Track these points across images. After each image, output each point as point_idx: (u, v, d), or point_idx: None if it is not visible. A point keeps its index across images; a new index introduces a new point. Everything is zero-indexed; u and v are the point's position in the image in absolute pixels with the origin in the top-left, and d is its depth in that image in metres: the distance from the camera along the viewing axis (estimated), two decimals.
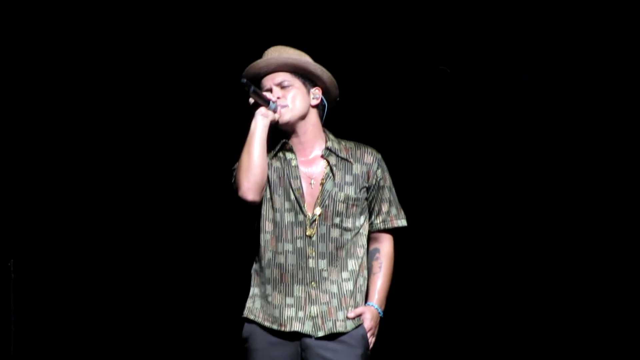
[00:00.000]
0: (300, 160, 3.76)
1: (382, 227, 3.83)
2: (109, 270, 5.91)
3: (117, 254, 5.91)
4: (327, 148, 3.77)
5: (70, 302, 5.88)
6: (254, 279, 3.76)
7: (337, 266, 3.70)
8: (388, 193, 3.83)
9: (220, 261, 5.82)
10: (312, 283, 3.68)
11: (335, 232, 3.71)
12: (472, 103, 5.81)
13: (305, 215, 3.69)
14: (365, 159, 3.79)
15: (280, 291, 3.68)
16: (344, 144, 3.81)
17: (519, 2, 5.62)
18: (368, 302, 3.76)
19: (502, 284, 5.80)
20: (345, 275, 3.71)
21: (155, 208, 5.92)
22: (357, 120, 5.43)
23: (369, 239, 3.82)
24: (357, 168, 3.77)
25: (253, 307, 3.73)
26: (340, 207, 3.72)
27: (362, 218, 3.78)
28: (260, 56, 3.80)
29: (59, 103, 5.84)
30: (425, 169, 5.82)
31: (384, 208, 3.82)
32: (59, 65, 5.77)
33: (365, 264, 3.78)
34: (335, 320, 3.67)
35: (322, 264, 3.68)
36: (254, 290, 3.76)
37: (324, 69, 3.80)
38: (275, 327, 3.66)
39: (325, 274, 3.68)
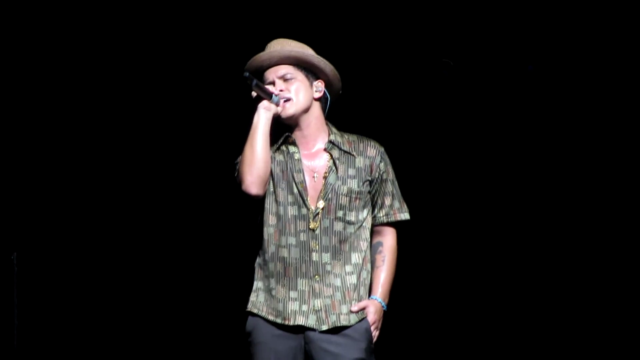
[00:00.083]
0: (303, 153, 3.75)
1: (385, 221, 3.82)
2: (111, 264, 5.91)
3: (120, 248, 5.92)
4: (330, 141, 3.76)
5: (74, 295, 5.88)
6: (258, 273, 3.76)
7: (340, 260, 3.70)
8: (391, 186, 3.82)
9: (224, 255, 5.82)
10: (316, 277, 3.67)
11: (338, 226, 3.70)
12: (475, 96, 5.80)
13: (308, 209, 3.69)
14: (368, 152, 3.79)
15: (284, 285, 3.68)
16: (346, 137, 3.81)
17: None
18: (372, 296, 3.76)
19: (504, 277, 5.80)
20: (348, 268, 3.71)
21: (159, 202, 5.93)
22: (360, 113, 5.42)
23: (372, 233, 3.82)
24: (360, 161, 3.77)
25: (257, 301, 3.73)
26: (344, 200, 3.72)
27: (365, 211, 3.77)
28: (262, 49, 3.79)
29: (64, 98, 5.84)
30: (428, 162, 5.82)
31: (387, 201, 3.81)
32: (61, 64, 5.77)
33: (368, 257, 3.77)
34: (339, 314, 3.67)
35: (326, 257, 3.68)
36: (258, 284, 3.75)
37: (326, 62, 3.80)
38: (279, 320, 3.66)
39: (328, 268, 3.68)
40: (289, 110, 3.71)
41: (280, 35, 3.85)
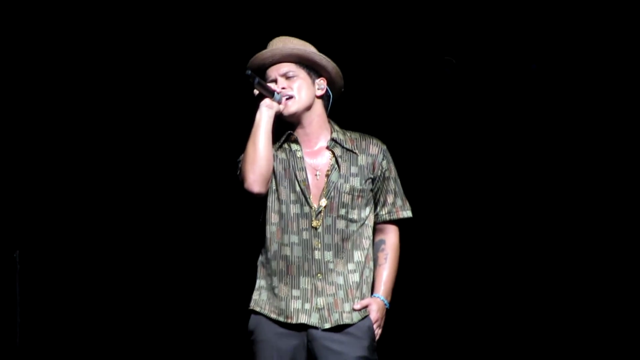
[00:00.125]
0: (306, 151, 3.75)
1: (387, 219, 3.82)
2: (114, 262, 5.91)
3: (122, 246, 5.91)
4: (332, 139, 3.76)
5: (76, 293, 5.87)
6: (260, 271, 3.76)
7: (343, 258, 3.70)
8: (393, 184, 3.82)
9: (226, 253, 5.81)
10: (318, 275, 3.67)
11: (340, 224, 3.70)
12: (477, 94, 5.79)
13: (310, 207, 3.69)
14: (370, 150, 3.79)
15: (287, 283, 3.68)
16: (349, 134, 3.81)
17: None
18: (374, 294, 3.76)
19: (507, 275, 5.78)
20: (351, 266, 3.71)
21: (161, 200, 5.91)
22: (362, 110, 5.42)
23: (375, 230, 3.82)
24: (362, 159, 3.77)
25: (259, 299, 3.73)
26: (346, 198, 3.72)
27: (368, 209, 3.77)
28: (264, 47, 3.79)
29: (66, 97, 5.83)
30: (430, 160, 5.81)
31: (390, 199, 3.81)
32: (64, 62, 5.77)
33: (371, 255, 3.78)
34: (341, 312, 3.67)
35: (328, 255, 3.68)
36: (260, 282, 3.75)
37: (328, 59, 3.80)
38: (281, 319, 3.67)
39: (331, 266, 3.68)
40: (291, 107, 3.71)
41: (282, 33, 3.85)
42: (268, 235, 3.71)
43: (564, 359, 5.71)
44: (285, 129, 3.76)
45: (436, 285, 5.83)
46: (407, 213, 3.84)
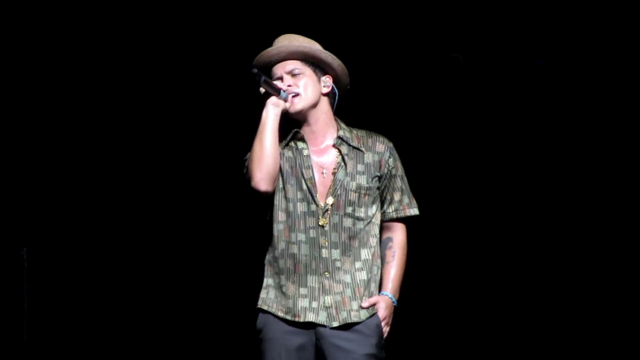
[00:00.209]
0: (312, 149, 3.75)
1: (394, 216, 3.82)
2: (121, 260, 5.91)
3: (129, 244, 5.91)
4: (338, 137, 3.76)
5: (84, 291, 5.89)
6: (268, 270, 3.76)
7: (350, 256, 3.70)
8: (400, 182, 3.82)
9: (233, 252, 5.82)
10: (326, 273, 3.67)
11: (347, 222, 3.70)
12: (484, 90, 5.78)
13: (317, 205, 3.69)
14: (377, 148, 3.78)
15: (294, 282, 3.68)
16: (355, 132, 3.80)
17: None
18: (382, 292, 3.76)
19: (514, 273, 5.78)
20: (358, 264, 3.71)
21: (168, 199, 5.92)
22: (369, 108, 5.41)
23: (382, 228, 3.82)
24: (368, 157, 3.76)
25: (267, 298, 3.73)
26: (353, 196, 3.71)
27: (374, 207, 3.77)
28: (270, 45, 3.78)
29: (74, 96, 5.84)
30: (437, 158, 5.80)
31: (396, 197, 3.81)
32: (67, 61, 5.77)
33: (378, 253, 3.77)
34: (349, 310, 3.67)
35: (336, 253, 3.68)
36: (268, 280, 3.75)
37: (334, 57, 3.79)
38: (289, 317, 3.67)
39: (338, 264, 3.68)
40: (297, 105, 3.71)
41: (288, 31, 3.84)
42: (275, 233, 3.71)
43: (571, 356, 5.71)
44: (292, 127, 3.76)
45: (443, 283, 5.83)
46: (414, 211, 3.84)
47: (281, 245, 3.70)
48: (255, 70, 3.61)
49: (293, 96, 3.70)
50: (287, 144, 3.75)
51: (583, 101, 5.67)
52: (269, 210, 3.73)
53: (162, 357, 5.90)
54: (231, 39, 5.65)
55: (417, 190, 3.90)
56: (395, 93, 5.77)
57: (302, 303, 3.66)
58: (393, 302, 3.76)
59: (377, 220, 3.78)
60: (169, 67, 5.77)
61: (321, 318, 3.65)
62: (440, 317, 5.81)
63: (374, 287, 3.74)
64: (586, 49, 5.61)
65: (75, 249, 5.88)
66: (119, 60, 5.78)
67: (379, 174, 3.77)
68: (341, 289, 3.68)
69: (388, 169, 3.78)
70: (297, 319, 3.65)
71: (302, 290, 3.67)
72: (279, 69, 3.75)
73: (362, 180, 3.73)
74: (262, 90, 3.67)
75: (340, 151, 3.74)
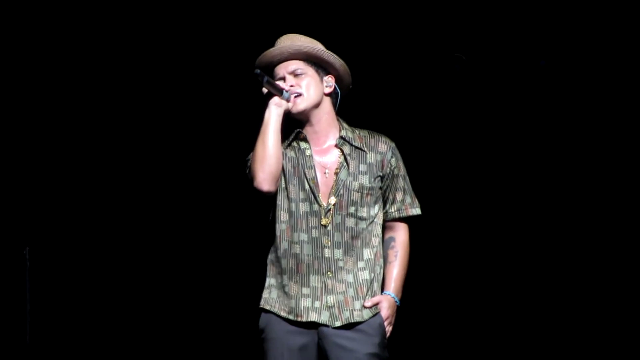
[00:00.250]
0: (315, 149, 3.76)
1: (397, 216, 3.83)
2: (123, 260, 5.91)
3: (131, 244, 5.91)
4: (341, 137, 3.76)
5: (86, 290, 5.88)
6: (270, 270, 3.77)
7: (352, 256, 3.71)
8: (402, 182, 3.82)
9: (235, 252, 5.81)
10: (328, 273, 3.68)
11: (350, 222, 3.70)
12: (487, 90, 5.77)
13: (320, 205, 3.69)
14: (379, 148, 3.79)
15: (297, 281, 3.68)
16: (357, 132, 3.81)
17: None
18: (385, 291, 3.76)
19: (516, 272, 5.78)
20: (361, 264, 3.72)
21: (171, 199, 5.92)
22: (371, 108, 5.42)
23: (384, 228, 3.82)
24: (371, 157, 3.77)
25: (269, 298, 3.74)
26: (355, 196, 3.72)
27: (377, 207, 3.78)
28: (272, 45, 3.79)
29: (77, 95, 5.84)
30: (439, 158, 5.80)
31: (399, 197, 3.82)
32: (68, 61, 5.78)
33: (380, 252, 3.78)
34: (352, 310, 3.67)
35: (338, 253, 3.68)
36: (270, 280, 3.76)
37: (336, 57, 3.80)
38: (291, 317, 3.67)
39: (341, 264, 3.69)
40: (300, 105, 3.71)
41: (290, 31, 3.85)
42: (278, 233, 3.71)
43: (571, 356, 5.72)
44: (294, 127, 3.77)
45: (446, 283, 5.83)
46: (417, 210, 3.85)
47: (284, 245, 3.70)
48: (258, 71, 3.61)
49: (295, 96, 3.71)
50: (289, 144, 3.76)
51: (586, 101, 5.67)
52: (272, 210, 3.74)
53: (164, 357, 5.91)
54: (233, 39, 5.65)
55: (419, 190, 3.90)
56: (397, 93, 5.77)
57: (305, 303, 3.66)
58: (396, 301, 3.76)
59: (379, 220, 3.79)
60: (171, 67, 5.77)
61: (324, 318, 3.65)
62: (443, 316, 5.81)
63: (376, 286, 3.74)
64: (589, 49, 5.61)
65: (78, 248, 5.88)
66: (121, 61, 5.78)
67: (381, 174, 3.77)
68: (344, 289, 3.68)
69: (390, 169, 3.79)
70: (299, 319, 3.66)
71: (305, 290, 3.67)
72: (282, 69, 3.76)
73: (365, 180, 3.74)
74: (264, 90, 3.68)
75: (342, 151, 3.75)
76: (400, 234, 3.83)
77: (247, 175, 3.71)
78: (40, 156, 5.82)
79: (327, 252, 3.68)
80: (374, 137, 3.81)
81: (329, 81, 3.79)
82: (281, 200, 3.72)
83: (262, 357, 3.73)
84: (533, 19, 5.61)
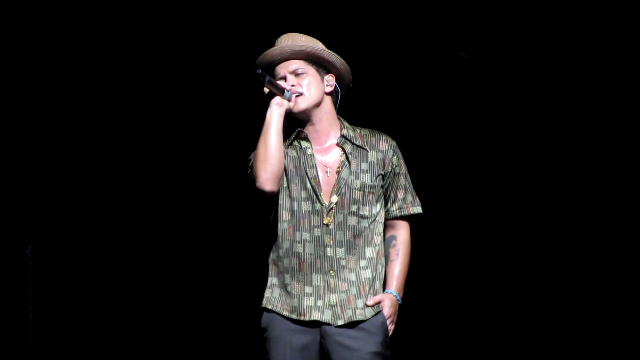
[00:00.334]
0: (316, 148, 3.76)
1: (398, 214, 3.83)
2: (126, 260, 5.92)
3: (133, 244, 5.92)
4: (342, 136, 3.77)
5: (88, 289, 5.89)
6: (272, 269, 3.77)
7: (355, 254, 3.71)
8: (403, 180, 3.83)
9: (237, 251, 5.82)
10: (331, 272, 3.68)
11: (352, 220, 3.71)
12: (489, 89, 5.77)
13: (322, 204, 3.69)
14: (380, 146, 3.79)
15: (299, 280, 3.69)
16: (358, 131, 3.81)
17: None
18: (386, 290, 3.76)
19: (517, 271, 5.79)
20: (363, 263, 3.72)
21: (173, 198, 5.92)
22: (373, 106, 5.43)
23: (385, 227, 3.82)
24: (372, 155, 3.77)
25: (271, 297, 3.74)
26: (357, 194, 3.72)
27: (378, 205, 3.78)
28: (272, 44, 3.79)
29: (79, 95, 5.84)
30: (440, 156, 5.80)
31: (400, 195, 3.82)
32: (70, 61, 5.78)
33: (382, 251, 3.78)
34: (354, 309, 3.67)
35: (340, 252, 3.69)
36: (272, 280, 3.76)
37: (337, 56, 3.80)
38: (294, 316, 3.67)
39: (343, 262, 3.69)
40: (301, 105, 3.72)
41: (290, 30, 3.85)
42: (280, 232, 3.72)
43: (571, 356, 5.72)
44: (295, 126, 3.77)
45: (447, 281, 5.83)
46: (418, 209, 3.85)
47: (286, 244, 3.70)
48: (260, 71, 3.61)
49: (297, 96, 3.71)
50: (290, 144, 3.76)
51: (587, 101, 5.67)
52: (273, 210, 3.74)
53: (166, 356, 5.91)
54: (234, 38, 5.65)
55: (420, 188, 3.91)
56: (399, 91, 5.77)
57: (307, 302, 3.67)
58: (398, 300, 3.77)
59: (381, 218, 3.79)
60: (172, 68, 5.78)
61: (326, 316, 3.66)
62: (444, 314, 5.82)
63: (378, 285, 3.75)
64: (590, 49, 5.61)
65: (80, 247, 5.88)
66: (122, 61, 5.78)
67: (382, 172, 3.78)
68: (346, 287, 3.69)
69: (392, 167, 3.79)
70: (302, 318, 3.66)
71: (307, 289, 3.67)
72: (282, 69, 3.76)
73: (366, 178, 3.74)
74: (266, 90, 3.68)
75: (344, 150, 3.75)
76: (402, 233, 3.83)
77: (248, 175, 3.71)
78: (42, 156, 5.82)
79: (329, 251, 3.68)
80: (375, 135, 3.81)
81: (330, 80, 3.79)
82: (283, 200, 3.72)
83: (263, 357, 3.74)
84: (535, 18, 5.61)
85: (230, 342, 5.85)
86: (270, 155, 3.63)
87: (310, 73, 3.75)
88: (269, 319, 3.73)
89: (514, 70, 5.73)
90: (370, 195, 3.75)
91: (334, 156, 3.76)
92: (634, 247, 5.65)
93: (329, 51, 3.78)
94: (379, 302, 3.72)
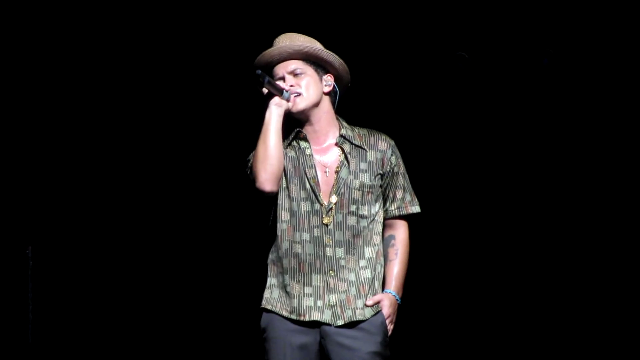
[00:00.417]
0: (315, 148, 3.76)
1: (397, 214, 3.83)
2: (126, 260, 5.92)
3: (134, 244, 5.92)
4: (341, 136, 3.77)
5: (89, 290, 5.89)
6: (271, 269, 3.77)
7: (354, 254, 3.71)
8: (402, 179, 3.83)
9: (236, 252, 5.81)
10: (330, 272, 3.68)
11: (351, 220, 3.71)
12: (489, 89, 5.77)
13: (321, 204, 3.70)
14: (379, 146, 3.80)
15: (299, 281, 3.69)
16: (357, 130, 3.82)
17: None
18: (385, 289, 3.77)
19: (516, 270, 5.78)
20: (362, 263, 3.72)
21: (173, 199, 5.92)
22: (373, 106, 5.43)
23: (384, 226, 3.83)
24: (371, 155, 3.78)
25: (271, 298, 3.74)
26: (356, 194, 3.72)
27: (377, 205, 3.78)
28: (270, 44, 3.79)
29: (80, 95, 5.84)
30: (439, 156, 5.80)
31: (399, 194, 3.83)
32: (70, 62, 5.78)
33: (381, 251, 3.78)
34: (354, 309, 3.68)
35: (340, 252, 3.69)
36: (272, 280, 3.76)
37: (335, 56, 3.80)
38: (293, 317, 3.68)
39: (342, 262, 3.69)
40: (300, 105, 3.72)
41: (289, 30, 3.85)
42: (279, 233, 3.72)
43: (571, 356, 5.73)
44: (294, 126, 3.77)
45: (446, 280, 5.83)
46: (416, 208, 3.86)
47: (285, 244, 3.71)
48: (259, 72, 3.61)
49: (295, 96, 3.71)
50: (289, 144, 3.76)
51: (588, 100, 5.66)
52: (272, 210, 3.75)
53: (166, 356, 5.91)
54: (233, 39, 5.65)
55: (419, 188, 3.91)
56: (399, 91, 5.76)
57: (307, 302, 3.67)
58: (397, 299, 3.77)
59: (380, 218, 3.79)
60: (171, 68, 5.78)
61: (326, 317, 3.66)
62: (444, 314, 5.81)
63: (378, 285, 3.75)
64: (591, 48, 5.60)
65: (80, 247, 5.88)
66: (122, 61, 5.78)
67: (381, 172, 3.78)
68: (346, 288, 3.69)
69: (390, 167, 3.80)
70: (302, 318, 3.67)
71: (307, 289, 3.68)
72: (281, 69, 3.76)
73: (365, 178, 3.75)
74: (264, 90, 3.68)
75: (342, 150, 3.76)
76: (400, 232, 3.84)
77: (248, 176, 3.72)
78: (42, 155, 5.82)
79: (328, 251, 3.68)
80: (374, 135, 3.81)
81: (328, 80, 3.80)
82: (282, 200, 3.72)
83: (263, 357, 3.74)
84: (535, 18, 5.60)
85: (230, 342, 5.85)
86: (270, 155, 3.63)
87: (308, 73, 3.76)
88: (269, 319, 3.73)
89: (514, 69, 5.72)
90: (369, 195, 3.75)
91: (333, 156, 3.77)
92: (634, 247, 5.64)
93: (327, 51, 3.79)
94: (378, 302, 3.72)
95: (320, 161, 3.75)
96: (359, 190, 3.73)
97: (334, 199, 3.71)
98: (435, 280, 5.76)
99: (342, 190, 3.72)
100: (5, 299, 5.69)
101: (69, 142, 5.87)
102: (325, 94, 3.79)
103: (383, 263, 3.79)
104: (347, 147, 3.76)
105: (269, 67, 3.77)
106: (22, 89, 5.75)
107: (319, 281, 3.68)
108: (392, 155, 3.80)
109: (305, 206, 3.70)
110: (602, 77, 5.62)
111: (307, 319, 3.66)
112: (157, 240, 5.92)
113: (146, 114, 5.87)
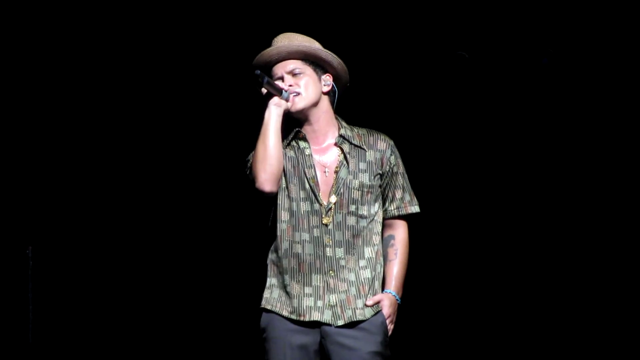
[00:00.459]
0: (314, 148, 3.76)
1: (396, 214, 3.83)
2: (126, 260, 5.92)
3: (134, 244, 5.92)
4: (340, 135, 3.77)
5: (89, 290, 5.89)
6: (271, 269, 3.77)
7: (354, 254, 3.71)
8: (401, 179, 3.83)
9: (235, 252, 5.81)
10: (330, 272, 3.68)
11: (351, 220, 3.71)
12: (489, 89, 5.77)
13: (320, 204, 3.70)
14: (378, 146, 3.79)
15: (299, 281, 3.69)
16: (356, 130, 3.82)
17: None
18: (385, 289, 3.77)
19: (515, 270, 5.78)
20: (362, 263, 3.72)
21: (172, 199, 5.92)
22: (373, 106, 5.43)
23: (383, 226, 3.82)
24: (370, 155, 3.78)
25: (270, 298, 3.74)
26: (355, 194, 3.72)
27: (377, 205, 3.78)
28: (269, 44, 3.79)
29: (80, 95, 5.85)
30: (438, 156, 5.80)
31: (398, 194, 3.82)
32: (69, 61, 5.78)
33: (381, 251, 3.78)
34: (354, 309, 3.68)
35: (340, 252, 3.69)
36: (271, 280, 3.76)
37: (334, 55, 3.80)
38: (293, 317, 3.67)
39: (342, 262, 3.69)
40: (299, 104, 3.72)
41: (288, 30, 3.85)
42: (279, 233, 3.72)
43: (571, 356, 5.73)
44: (293, 126, 3.77)
45: (446, 280, 5.83)
46: (415, 208, 3.85)
47: (285, 244, 3.70)
48: (258, 72, 3.61)
49: (294, 96, 3.71)
50: (288, 144, 3.76)
51: (588, 100, 5.66)
52: (272, 210, 3.74)
53: (166, 356, 5.92)
54: (231, 39, 5.65)
55: (418, 188, 3.91)
56: (398, 91, 5.76)
57: (307, 302, 3.67)
58: (397, 299, 3.77)
59: (379, 218, 3.79)
60: (170, 68, 5.78)
61: (326, 317, 3.66)
62: (444, 314, 5.81)
63: (377, 285, 3.75)
64: (591, 48, 5.60)
65: (81, 247, 5.88)
66: (121, 61, 5.78)
67: (380, 172, 3.78)
68: (346, 288, 3.69)
69: (390, 167, 3.79)
70: (302, 319, 3.66)
71: (307, 290, 3.67)
72: (280, 69, 3.76)
73: (365, 178, 3.75)
74: (264, 90, 3.68)
75: (342, 149, 3.76)
76: (400, 232, 3.84)
77: (247, 176, 3.72)
78: (42, 155, 5.82)
79: (328, 251, 3.68)
80: (373, 135, 3.81)
81: (327, 80, 3.80)
82: (282, 200, 3.72)
83: (263, 357, 3.74)
84: (535, 17, 5.60)
85: (230, 342, 5.85)
86: (270, 155, 3.63)
87: (307, 73, 3.76)
88: (268, 319, 3.73)
89: (514, 69, 5.72)
90: (369, 195, 3.75)
91: (332, 156, 3.77)
92: (634, 246, 5.64)
93: (326, 51, 3.79)
94: (378, 302, 3.72)
95: (320, 161, 3.75)
96: (358, 190, 3.73)
97: (333, 199, 3.71)
98: (435, 280, 5.76)
99: (342, 190, 3.72)
100: (5, 299, 5.69)
101: (69, 143, 5.87)
102: (324, 93, 3.79)
103: (382, 263, 3.79)
104: (346, 147, 3.76)
105: (267, 67, 3.76)
106: (22, 90, 5.75)
107: (319, 281, 3.68)
108: (391, 155, 3.80)
109: (304, 206, 3.70)
110: (601, 77, 5.62)
111: (307, 319, 3.66)
112: (157, 241, 5.92)
113: (146, 114, 5.87)
